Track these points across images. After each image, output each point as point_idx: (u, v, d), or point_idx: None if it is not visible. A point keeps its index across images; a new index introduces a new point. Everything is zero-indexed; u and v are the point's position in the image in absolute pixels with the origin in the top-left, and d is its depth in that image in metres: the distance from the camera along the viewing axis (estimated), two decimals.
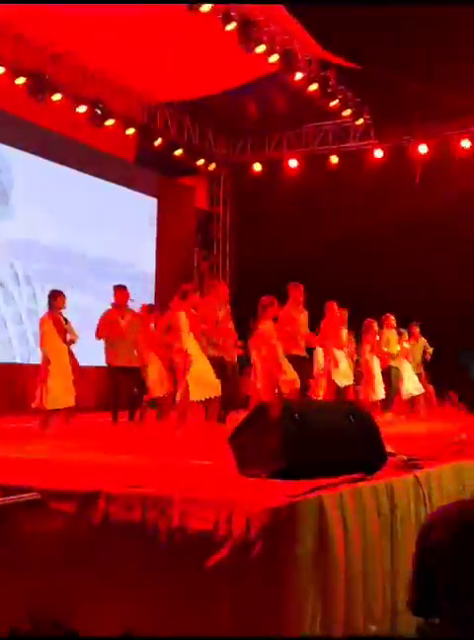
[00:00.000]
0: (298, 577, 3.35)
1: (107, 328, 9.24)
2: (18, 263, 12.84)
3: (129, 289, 14.22)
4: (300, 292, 9.68)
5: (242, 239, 17.39)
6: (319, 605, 3.43)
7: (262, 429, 4.19)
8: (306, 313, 9.80)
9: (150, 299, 13.28)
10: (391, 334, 11.84)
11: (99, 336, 9.17)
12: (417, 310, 13.54)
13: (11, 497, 3.28)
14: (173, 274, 14.44)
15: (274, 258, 15.68)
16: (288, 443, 4.08)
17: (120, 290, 9.55)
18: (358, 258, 15.12)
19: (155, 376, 9.60)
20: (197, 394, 7.97)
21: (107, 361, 9.34)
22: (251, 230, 16.75)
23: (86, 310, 13.36)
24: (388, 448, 5.65)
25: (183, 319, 8.19)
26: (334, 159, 16.27)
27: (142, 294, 13.98)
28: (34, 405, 7.99)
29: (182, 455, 5.51)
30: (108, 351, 9.27)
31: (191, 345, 8.11)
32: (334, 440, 4.26)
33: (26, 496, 3.13)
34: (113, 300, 9.58)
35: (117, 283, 9.62)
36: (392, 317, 11.88)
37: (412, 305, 13.88)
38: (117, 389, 9.31)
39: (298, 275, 15.31)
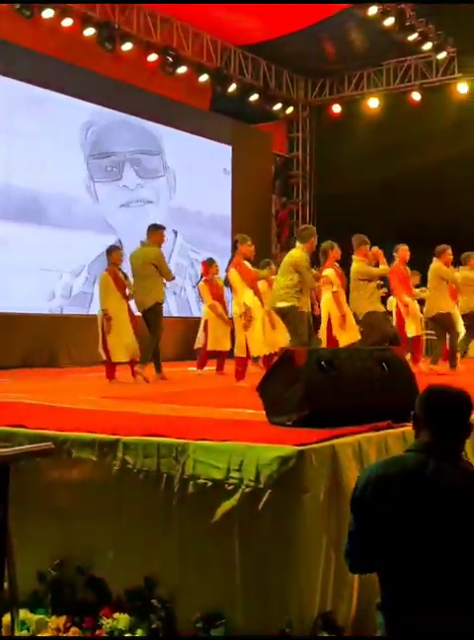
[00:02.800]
0: (308, 526, 3.29)
1: None
2: None
3: (206, 239, 14.41)
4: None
5: (322, 183, 17.02)
6: (333, 555, 3.36)
7: (288, 377, 4.11)
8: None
9: (227, 250, 13.18)
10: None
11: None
12: None
13: (25, 446, 3.32)
14: (250, 223, 14.28)
15: (354, 201, 15.31)
16: (312, 391, 4.00)
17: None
18: (440, 200, 14.55)
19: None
20: (256, 350, 7.88)
21: None
22: (331, 174, 16.37)
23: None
24: None
25: (233, 274, 8.05)
26: (416, 96, 15.64)
27: (221, 243, 13.99)
28: (99, 358, 8.13)
29: (226, 405, 5.47)
30: None
31: (247, 298, 7.95)
32: (363, 387, 4.16)
33: (40, 445, 3.15)
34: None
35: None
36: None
37: None
38: None
39: (379, 218, 15.01)
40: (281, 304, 7.30)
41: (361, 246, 8.66)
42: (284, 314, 7.39)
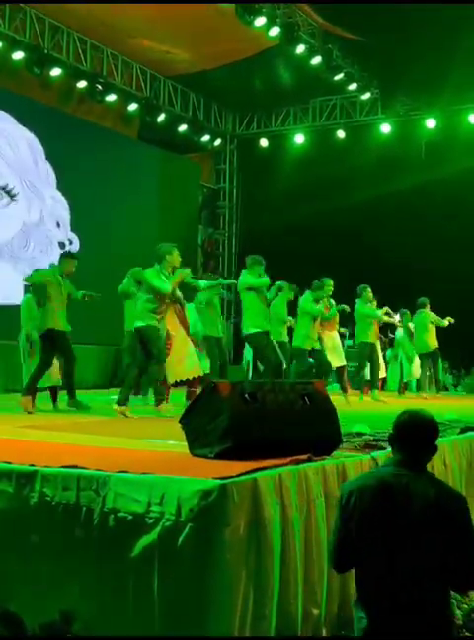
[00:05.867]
0: (228, 560, 3.28)
1: None
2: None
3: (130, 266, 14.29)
4: None
5: (248, 215, 17.22)
6: (251, 589, 3.37)
7: (211, 409, 4.11)
8: None
9: None
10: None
11: None
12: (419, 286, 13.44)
13: None
14: None
15: (280, 234, 15.55)
16: (235, 424, 4.01)
17: None
18: (362, 237, 14.93)
19: None
20: (172, 377, 7.76)
21: None
22: (257, 206, 16.60)
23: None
24: (361, 428, 5.59)
25: None
26: (341, 134, 16.03)
27: None
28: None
29: (148, 436, 5.43)
30: None
31: (171, 323, 7.84)
32: (285, 421, 4.18)
33: None
34: None
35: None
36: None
37: (415, 279, 13.78)
38: None
39: (304, 251, 15.27)
40: None
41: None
42: None
